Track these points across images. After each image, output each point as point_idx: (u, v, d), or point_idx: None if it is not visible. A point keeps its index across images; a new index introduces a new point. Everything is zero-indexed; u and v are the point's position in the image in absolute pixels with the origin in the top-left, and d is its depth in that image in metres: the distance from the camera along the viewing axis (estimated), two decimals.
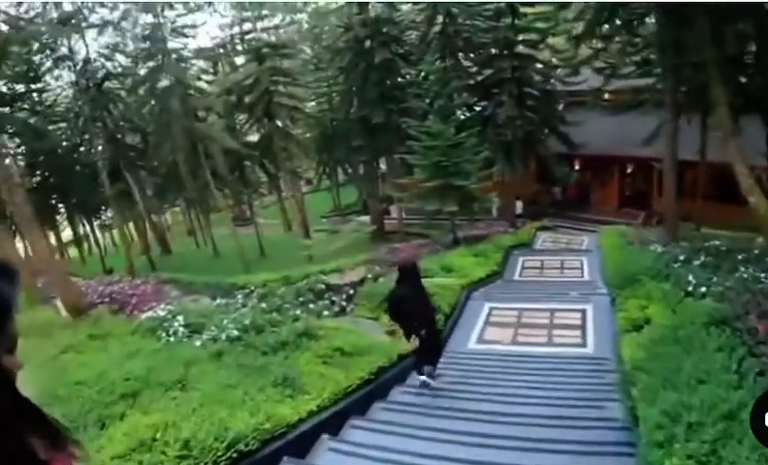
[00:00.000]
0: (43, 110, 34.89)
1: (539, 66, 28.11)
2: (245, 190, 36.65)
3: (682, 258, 13.26)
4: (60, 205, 41.21)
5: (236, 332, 10.01)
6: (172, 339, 10.51)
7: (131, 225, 44.07)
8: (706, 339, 6.86)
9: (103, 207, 40.35)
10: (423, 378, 8.41)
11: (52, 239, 49.42)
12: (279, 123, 31.76)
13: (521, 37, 27.32)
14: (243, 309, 13.14)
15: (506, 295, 13.77)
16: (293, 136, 33.50)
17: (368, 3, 29.14)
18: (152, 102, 31.02)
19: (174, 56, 29.20)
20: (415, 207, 27.12)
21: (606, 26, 19.66)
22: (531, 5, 27.07)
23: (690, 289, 10.55)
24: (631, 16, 19.43)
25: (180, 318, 11.28)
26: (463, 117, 25.00)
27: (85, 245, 48.29)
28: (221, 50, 33.19)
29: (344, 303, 13.33)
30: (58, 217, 45.12)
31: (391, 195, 30.25)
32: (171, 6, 29.20)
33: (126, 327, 11.96)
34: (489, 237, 21.54)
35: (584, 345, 10.42)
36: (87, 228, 46.34)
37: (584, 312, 11.69)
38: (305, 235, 35.93)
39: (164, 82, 29.62)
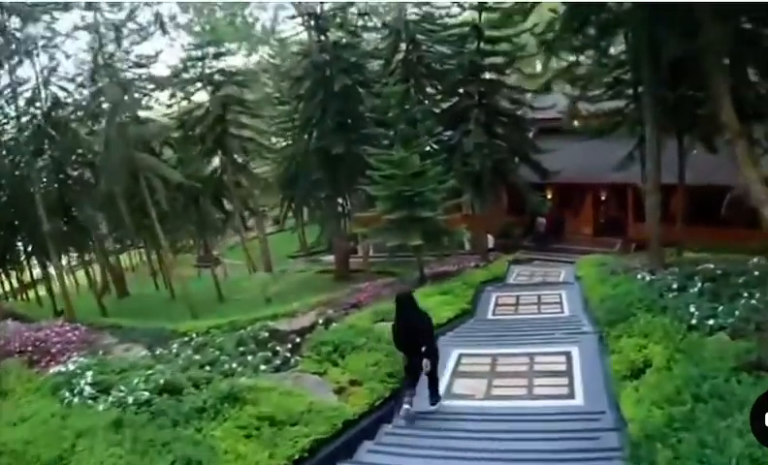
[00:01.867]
0: None
1: (508, 91, 26.72)
2: (202, 229, 34.15)
3: (675, 285, 11.63)
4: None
5: (146, 394, 8.08)
6: (75, 400, 8.59)
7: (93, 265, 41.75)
8: (743, 393, 5.10)
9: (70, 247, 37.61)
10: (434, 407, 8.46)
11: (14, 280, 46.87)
12: (235, 156, 29.81)
13: (487, 61, 26.03)
14: (176, 360, 11.42)
15: (478, 339, 11.91)
16: (247, 169, 31.46)
17: (326, 29, 27.72)
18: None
19: (115, 80, 27.18)
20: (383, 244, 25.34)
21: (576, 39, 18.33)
22: (498, 28, 25.87)
23: (694, 322, 8.91)
24: (601, 31, 18.29)
25: (89, 374, 9.29)
26: (428, 148, 23.61)
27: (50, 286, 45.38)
28: (175, 79, 31.17)
29: (288, 354, 11.34)
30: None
31: (356, 232, 28.49)
32: (117, 29, 27.33)
33: (33, 383, 10.11)
34: (459, 273, 19.78)
35: (571, 396, 8.57)
36: (49, 268, 43.41)
37: (568, 355, 9.85)
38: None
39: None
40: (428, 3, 28.45)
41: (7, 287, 47.29)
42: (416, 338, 8.15)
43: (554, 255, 26.93)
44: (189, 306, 26.03)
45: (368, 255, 29.95)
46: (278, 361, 11.06)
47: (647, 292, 11.21)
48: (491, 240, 27.77)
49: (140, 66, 30.22)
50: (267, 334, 12.69)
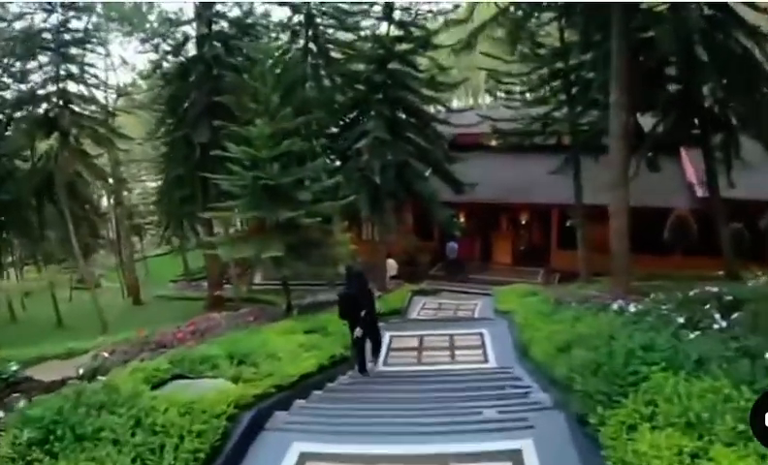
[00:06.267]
0: None
1: (417, 83, 22.03)
2: (43, 237, 26.75)
3: (681, 320, 6.93)
4: None
5: None
6: None
7: None
8: None
9: None
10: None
11: None
12: (71, 138, 22.81)
13: (397, 48, 21.63)
14: None
15: (347, 418, 6.51)
16: (89, 158, 24.49)
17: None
18: None
19: None
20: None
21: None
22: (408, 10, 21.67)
23: None
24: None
25: None
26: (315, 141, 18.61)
27: None
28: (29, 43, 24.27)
29: None
30: None
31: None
32: None
33: None
34: None
35: None
36: None
37: (518, 459, 4.82)
38: (135, 302, 30.76)
39: None
40: None
41: None
42: (357, 311, 9.12)
43: (466, 286, 22.23)
44: None
45: (244, 279, 24.47)
46: None
47: (644, 333, 6.27)
48: (393, 266, 22.69)
49: None
50: None
